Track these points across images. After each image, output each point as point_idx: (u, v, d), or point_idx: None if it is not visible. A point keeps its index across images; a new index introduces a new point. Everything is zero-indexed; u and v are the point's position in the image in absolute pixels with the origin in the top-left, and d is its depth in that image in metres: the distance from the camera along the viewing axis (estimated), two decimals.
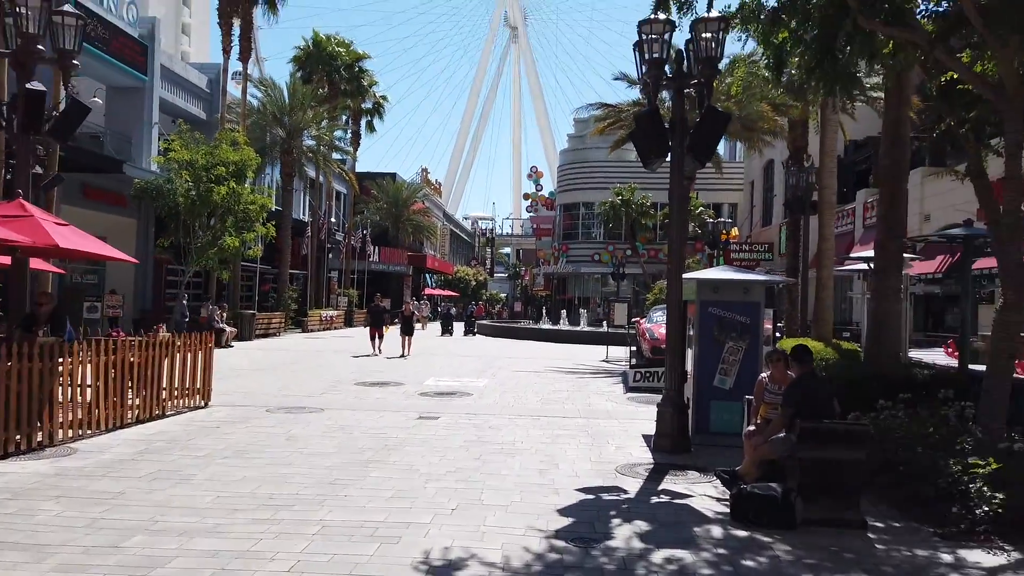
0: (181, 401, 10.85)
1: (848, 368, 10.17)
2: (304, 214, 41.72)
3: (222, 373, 14.56)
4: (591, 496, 6.72)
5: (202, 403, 11.27)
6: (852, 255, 20.15)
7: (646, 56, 9.03)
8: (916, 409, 7.42)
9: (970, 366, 10.21)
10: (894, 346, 10.45)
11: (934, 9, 6.57)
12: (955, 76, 7.03)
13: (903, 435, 6.92)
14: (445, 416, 11.08)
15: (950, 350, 18.61)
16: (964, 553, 5.38)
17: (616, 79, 27.02)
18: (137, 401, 9.76)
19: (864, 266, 17.02)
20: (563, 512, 6.15)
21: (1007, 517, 5.56)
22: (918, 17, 6.59)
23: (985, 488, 5.71)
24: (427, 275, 66.76)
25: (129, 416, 9.57)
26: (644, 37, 9.04)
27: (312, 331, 34.26)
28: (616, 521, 5.94)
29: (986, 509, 5.59)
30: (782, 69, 7.57)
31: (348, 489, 6.69)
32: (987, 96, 6.54)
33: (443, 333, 37.35)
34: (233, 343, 24.41)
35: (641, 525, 5.85)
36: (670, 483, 7.31)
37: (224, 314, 24.99)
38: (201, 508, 5.99)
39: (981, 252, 10.43)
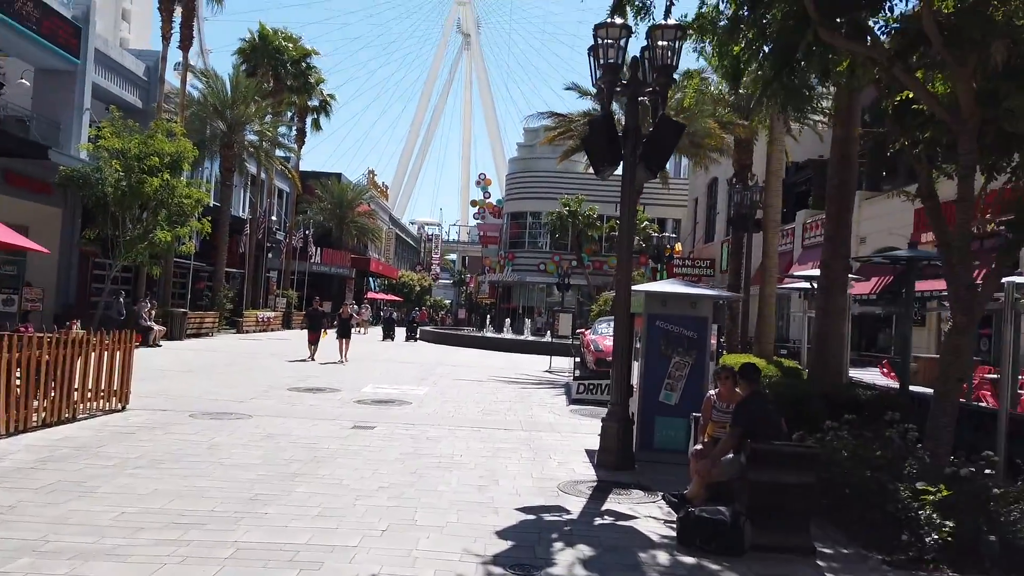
0: (95, 404, 10.08)
1: (793, 387, 10.10)
2: (244, 211, 40.45)
3: (146, 374, 13.74)
4: (532, 516, 6.37)
5: (119, 406, 10.51)
6: (793, 274, 20.45)
7: (601, 60, 8.81)
8: (862, 431, 7.32)
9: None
10: (838, 366, 10.44)
11: (893, 26, 6.49)
12: (909, 96, 6.98)
13: (850, 457, 6.79)
14: (381, 426, 10.59)
15: (885, 370, 19.03)
16: None
17: (567, 89, 27.18)
18: (44, 403, 8.99)
19: (806, 285, 17.22)
20: (502, 534, 5.78)
21: (956, 545, 5.43)
22: (877, 33, 6.50)
23: (935, 515, 5.58)
24: (371, 279, 65.68)
25: (34, 419, 8.80)
26: (600, 41, 8.81)
27: (247, 332, 33.12)
28: (558, 545, 5.60)
29: (936, 537, 5.45)
30: (739, 79, 7.42)
31: (270, 506, 6.18)
32: (941, 117, 6.49)
33: (384, 338, 36.60)
34: (162, 342, 23.30)
35: (584, 550, 5.52)
36: (614, 503, 7.01)
37: (153, 311, 23.85)
38: (102, 526, 5.41)
39: (921, 274, 10.55)
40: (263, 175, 40.08)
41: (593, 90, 22.24)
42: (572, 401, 14.40)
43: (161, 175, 21.53)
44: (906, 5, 6.57)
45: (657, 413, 9.13)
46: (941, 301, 17.09)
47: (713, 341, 11.65)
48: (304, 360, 20.31)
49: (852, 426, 7.43)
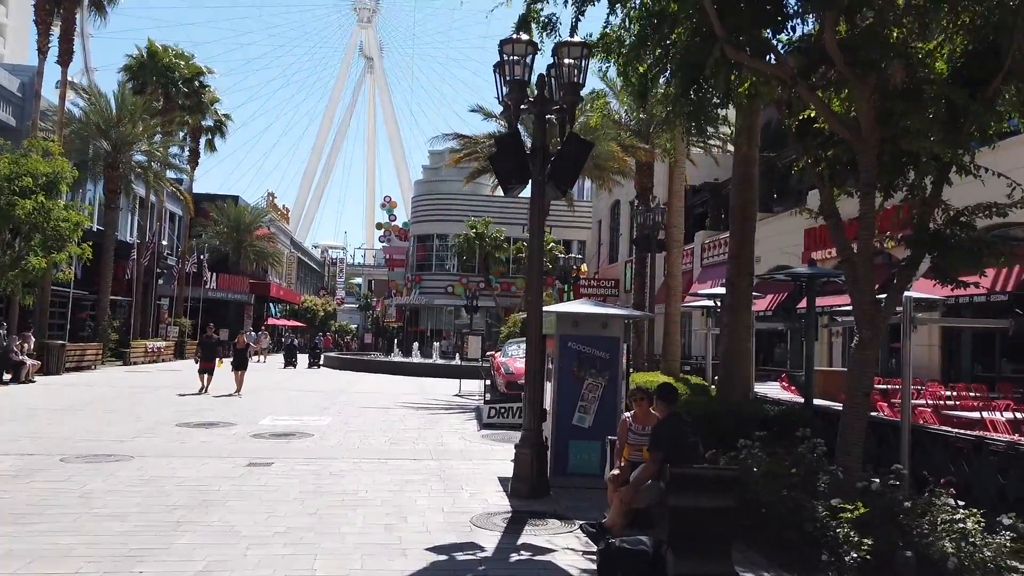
0: None
1: (702, 404, 10.10)
2: (132, 235, 38.11)
3: (13, 414, 12.44)
4: (444, 556, 5.93)
5: None
6: (697, 292, 20.90)
7: (507, 77, 8.60)
8: (774, 447, 7.30)
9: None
10: (746, 382, 10.54)
11: (796, 44, 6.56)
12: (811, 116, 7.08)
13: (764, 475, 6.73)
14: (280, 462, 9.88)
15: (785, 384, 19.62)
16: None
17: (472, 111, 26.98)
18: None
19: (708, 303, 17.59)
20: None
21: (874, 563, 5.38)
22: (780, 52, 6.56)
23: (852, 533, 5.52)
24: (271, 304, 63.31)
25: None
26: (506, 58, 8.61)
27: (136, 364, 31.01)
28: None
29: (855, 556, 5.38)
30: (646, 96, 7.36)
31: (146, 563, 5.48)
32: (842, 135, 6.59)
33: (286, 366, 35.14)
34: (36, 378, 21.38)
35: None
36: (530, 535, 6.67)
37: (26, 345, 21.88)
38: None
39: (820, 291, 10.84)
40: (152, 197, 37.97)
41: (498, 112, 22.22)
42: (483, 426, 14.02)
43: (35, 197, 19.86)
44: (807, 26, 6.63)
45: (571, 436, 8.88)
46: (832, 316, 17.76)
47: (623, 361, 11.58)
48: (197, 393, 19.05)
49: (764, 443, 7.41)
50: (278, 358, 41.57)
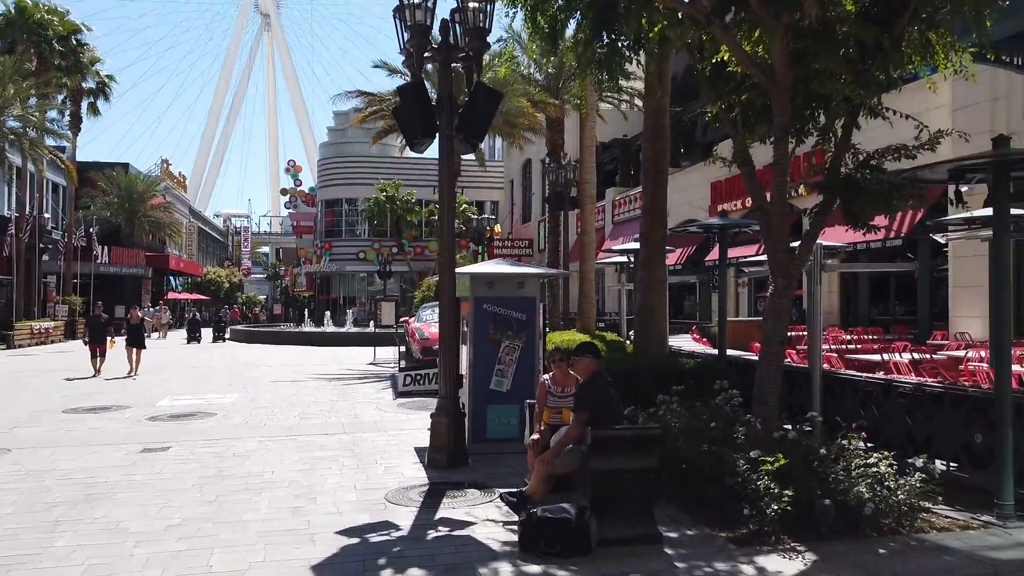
0: None
1: (620, 361, 9.99)
2: (8, 209, 35.16)
3: None
4: (356, 539, 5.53)
5: None
6: (610, 249, 20.93)
7: (408, 22, 8.02)
8: (692, 402, 7.21)
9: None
10: (661, 336, 10.50)
11: None
12: (724, 59, 6.87)
13: (683, 431, 6.62)
14: (178, 446, 9.19)
15: (696, 336, 20.01)
16: (763, 561, 5.02)
17: (376, 67, 25.77)
18: None
19: (622, 259, 17.60)
20: (320, 569, 4.90)
21: (795, 514, 5.33)
22: None
23: (773, 485, 5.45)
24: (171, 277, 60.23)
25: None
26: (406, 1, 8.02)
27: (21, 347, 28.84)
28: (386, 573, 4.83)
29: (776, 508, 5.31)
30: (556, 41, 6.96)
31: (16, 572, 4.85)
32: (757, 77, 6.40)
33: (189, 341, 33.53)
34: None
35: (417, 574, 4.80)
36: (448, 508, 6.35)
37: None
38: None
39: (731, 242, 10.87)
40: (31, 167, 35.01)
41: (403, 68, 21.28)
42: (399, 394, 13.57)
43: None
44: None
45: (489, 401, 8.58)
46: (739, 267, 18.09)
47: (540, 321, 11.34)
48: (88, 376, 17.74)
49: (681, 397, 7.31)
50: (181, 334, 39.66)
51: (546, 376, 6.83)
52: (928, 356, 12.22)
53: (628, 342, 15.54)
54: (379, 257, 44.39)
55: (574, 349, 6.29)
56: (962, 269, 14.46)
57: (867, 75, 6.20)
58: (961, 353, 12.36)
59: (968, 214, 8.36)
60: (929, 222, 10.97)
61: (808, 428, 6.48)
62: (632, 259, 14.60)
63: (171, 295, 57.60)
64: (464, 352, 8.78)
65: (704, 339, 18.72)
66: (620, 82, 8.26)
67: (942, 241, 12.12)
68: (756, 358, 11.96)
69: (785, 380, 8.88)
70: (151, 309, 42.06)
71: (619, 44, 6.95)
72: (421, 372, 13.13)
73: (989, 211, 8.72)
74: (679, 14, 6.36)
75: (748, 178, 7.03)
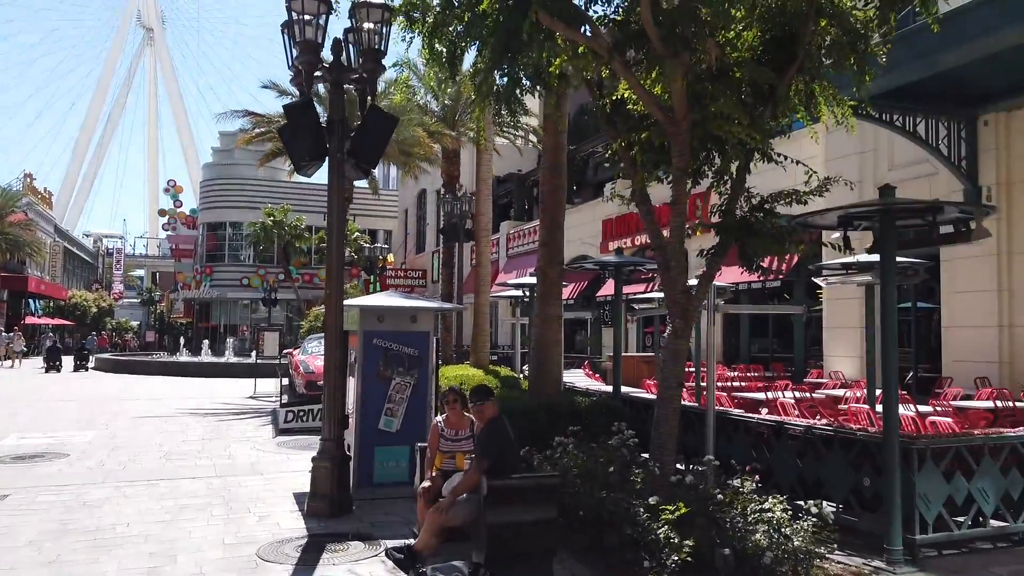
0: None
1: (516, 399, 9.70)
2: None
3: None
4: None
5: None
6: (506, 282, 20.82)
7: (298, 38, 7.56)
8: (589, 443, 7.00)
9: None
10: (557, 373, 10.31)
11: (612, 16, 6.21)
12: (624, 97, 6.81)
13: (580, 475, 6.38)
14: (18, 493, 8.10)
15: (588, 371, 20.10)
16: None
17: (265, 87, 24.88)
18: None
19: (516, 292, 17.48)
20: None
21: (695, 565, 5.15)
22: (596, 23, 6.18)
23: (673, 534, 5.25)
24: (31, 300, 55.39)
25: None
26: (295, 16, 7.57)
27: None
28: None
29: (676, 559, 5.11)
30: (455, 66, 6.69)
31: None
32: (657, 116, 6.36)
33: (47, 370, 30.74)
34: None
35: None
36: (328, 565, 5.78)
37: None
38: None
39: (627, 279, 10.90)
40: None
41: (293, 88, 20.54)
42: (279, 432, 12.73)
43: None
44: (620, 4, 6.28)
45: (377, 443, 8.04)
46: (630, 304, 18.38)
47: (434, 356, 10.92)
48: None
49: (578, 439, 7.10)
50: (38, 362, 36.32)
51: (439, 418, 6.43)
52: (808, 395, 12.69)
53: (522, 376, 15.34)
54: (264, 284, 42.54)
55: (472, 394, 5.91)
56: (834, 311, 15.19)
57: (761, 120, 6.29)
58: (839, 392, 12.92)
59: (849, 259, 8.68)
60: (811, 266, 11.40)
61: (703, 470, 6.38)
62: (527, 293, 14.45)
63: (30, 320, 52.97)
64: (351, 388, 8.23)
65: (596, 374, 18.79)
66: (518, 118, 8.14)
67: (823, 284, 12.64)
68: (648, 395, 12.05)
69: (679, 420, 8.87)
70: (3, 335, 38.38)
71: (519, 76, 6.76)
72: (304, 408, 12.39)
73: (865, 257, 9.16)
74: (580, 48, 6.24)
75: (646, 217, 6.96)
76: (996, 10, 9.01)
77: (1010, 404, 10.37)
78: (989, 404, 10.61)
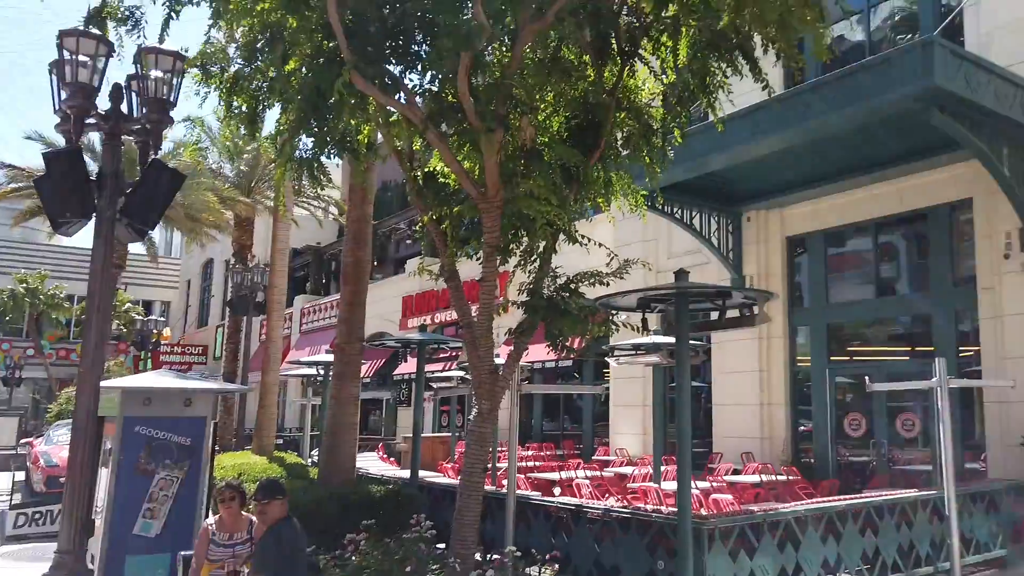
0: None
1: (305, 490, 8.81)
2: None
3: None
4: None
5: None
6: (298, 360, 19.61)
7: (68, 79, 6.62)
8: (383, 537, 6.42)
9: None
10: (350, 460, 9.58)
11: (428, 86, 6.07)
12: (435, 170, 6.68)
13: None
14: None
15: (383, 454, 19.24)
16: None
17: (29, 139, 22.12)
18: None
19: (309, 371, 16.44)
20: None
21: None
22: (411, 91, 6.01)
23: None
24: None
25: None
26: (68, 55, 6.65)
27: None
28: None
29: None
30: (256, 123, 6.16)
31: None
32: (469, 191, 6.25)
33: None
34: None
35: None
36: None
37: None
38: None
39: (430, 358, 10.58)
40: None
41: (61, 141, 18.36)
42: (7, 539, 10.57)
43: None
44: (436, 75, 6.18)
45: (129, 551, 6.73)
46: (428, 384, 18.09)
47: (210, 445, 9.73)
48: None
49: (372, 535, 6.49)
50: None
51: (211, 520, 5.53)
52: (599, 472, 12.99)
53: (309, 461, 14.23)
54: (7, 360, 36.82)
55: (258, 490, 5.15)
56: (620, 390, 15.93)
57: (567, 201, 6.42)
58: (627, 470, 13.37)
59: (642, 339, 9.07)
60: (604, 346, 11.83)
61: (506, 561, 6.06)
62: (322, 372, 13.60)
63: None
64: (103, 484, 6.96)
65: (391, 458, 18.03)
66: (319, 189, 7.72)
67: (614, 363, 13.17)
68: (446, 479, 11.63)
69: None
70: None
71: (326, 139, 6.38)
72: (41, 509, 10.46)
73: (661, 338, 9.64)
74: (392, 117, 6.04)
75: (455, 294, 6.77)
76: (749, 123, 10.27)
77: (772, 477, 11.30)
78: (756, 478, 11.48)
